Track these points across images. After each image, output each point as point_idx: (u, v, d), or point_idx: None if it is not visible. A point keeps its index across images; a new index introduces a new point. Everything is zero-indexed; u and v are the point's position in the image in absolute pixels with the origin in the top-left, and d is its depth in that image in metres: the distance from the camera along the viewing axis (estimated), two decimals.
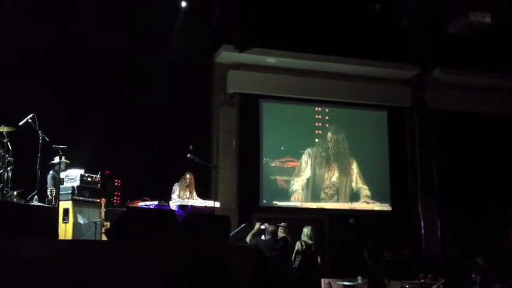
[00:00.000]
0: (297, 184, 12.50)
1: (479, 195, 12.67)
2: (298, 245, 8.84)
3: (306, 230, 9.01)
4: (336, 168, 12.83)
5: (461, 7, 10.86)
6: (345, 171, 12.87)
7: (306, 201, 12.51)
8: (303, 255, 8.72)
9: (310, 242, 8.88)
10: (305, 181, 12.58)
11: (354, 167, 12.93)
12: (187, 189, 8.65)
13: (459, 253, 11.80)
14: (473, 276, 9.52)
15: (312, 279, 8.85)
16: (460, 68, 12.83)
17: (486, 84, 13.27)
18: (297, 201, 12.44)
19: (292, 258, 8.78)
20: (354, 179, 12.89)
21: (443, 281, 9.77)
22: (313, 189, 12.60)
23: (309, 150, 12.71)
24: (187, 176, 8.70)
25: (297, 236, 9.08)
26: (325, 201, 12.63)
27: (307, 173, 12.61)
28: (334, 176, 12.79)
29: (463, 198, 12.58)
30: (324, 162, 12.78)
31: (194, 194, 8.72)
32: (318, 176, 12.68)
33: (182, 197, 8.52)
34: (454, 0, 10.75)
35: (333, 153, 12.87)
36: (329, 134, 12.92)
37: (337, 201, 12.71)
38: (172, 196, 8.58)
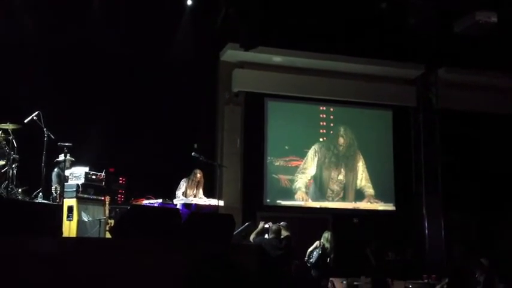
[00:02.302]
0: (301, 181, 12.47)
1: (484, 195, 12.63)
2: (316, 244, 9.62)
3: (326, 235, 9.80)
4: (343, 166, 12.81)
5: (467, 6, 10.81)
6: (351, 169, 12.85)
7: (311, 199, 12.50)
8: (319, 255, 9.53)
9: (327, 245, 9.59)
10: (309, 178, 12.56)
11: (361, 164, 12.91)
12: (195, 187, 8.62)
13: (463, 253, 11.77)
14: (477, 276, 9.48)
15: (320, 277, 9.52)
16: (465, 67, 12.78)
17: (492, 83, 13.21)
18: (300, 200, 12.43)
19: (307, 255, 9.54)
20: (359, 176, 12.87)
21: (447, 281, 9.73)
22: (320, 186, 12.58)
23: (315, 146, 12.69)
24: (198, 174, 8.66)
25: (299, 235, 9.18)
26: (332, 199, 12.61)
27: (312, 169, 12.58)
28: (341, 174, 12.76)
29: (467, 199, 12.54)
30: (332, 161, 12.76)
31: (201, 192, 8.69)
32: (324, 172, 12.66)
33: (188, 194, 8.51)
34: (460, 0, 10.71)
35: (341, 153, 12.85)
36: (339, 134, 12.88)
37: (344, 198, 12.68)
38: (177, 192, 8.55)
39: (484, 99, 13.17)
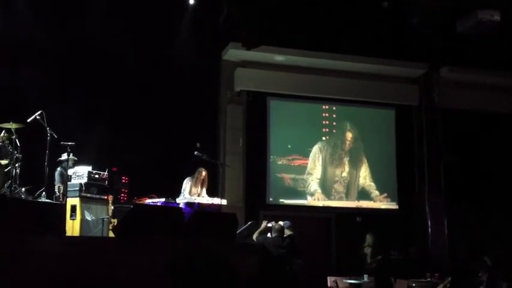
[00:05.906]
0: (314, 183, 12.43)
1: (487, 194, 12.61)
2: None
3: (368, 236, 10.84)
4: (346, 164, 12.78)
5: (470, 5, 10.80)
6: (355, 168, 12.79)
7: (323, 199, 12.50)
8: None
9: (369, 245, 10.67)
10: (318, 178, 12.54)
11: (364, 162, 12.86)
12: (200, 185, 8.63)
13: (466, 252, 11.76)
14: (480, 275, 9.47)
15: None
16: (468, 66, 12.74)
17: (495, 82, 13.17)
18: (319, 200, 12.39)
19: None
20: (362, 174, 12.82)
21: (450, 279, 9.72)
22: (324, 185, 12.55)
23: (319, 145, 12.63)
24: (203, 172, 8.67)
25: (302, 234, 9.21)
26: (334, 198, 12.58)
27: (318, 169, 12.54)
28: (345, 172, 12.73)
29: (470, 197, 12.52)
30: (337, 157, 12.71)
31: (204, 190, 8.71)
32: (329, 172, 12.62)
33: (193, 192, 8.52)
34: None
35: (346, 151, 12.82)
36: (347, 129, 12.84)
37: (347, 197, 12.66)
38: (182, 191, 8.57)
39: (486, 98, 13.13)
